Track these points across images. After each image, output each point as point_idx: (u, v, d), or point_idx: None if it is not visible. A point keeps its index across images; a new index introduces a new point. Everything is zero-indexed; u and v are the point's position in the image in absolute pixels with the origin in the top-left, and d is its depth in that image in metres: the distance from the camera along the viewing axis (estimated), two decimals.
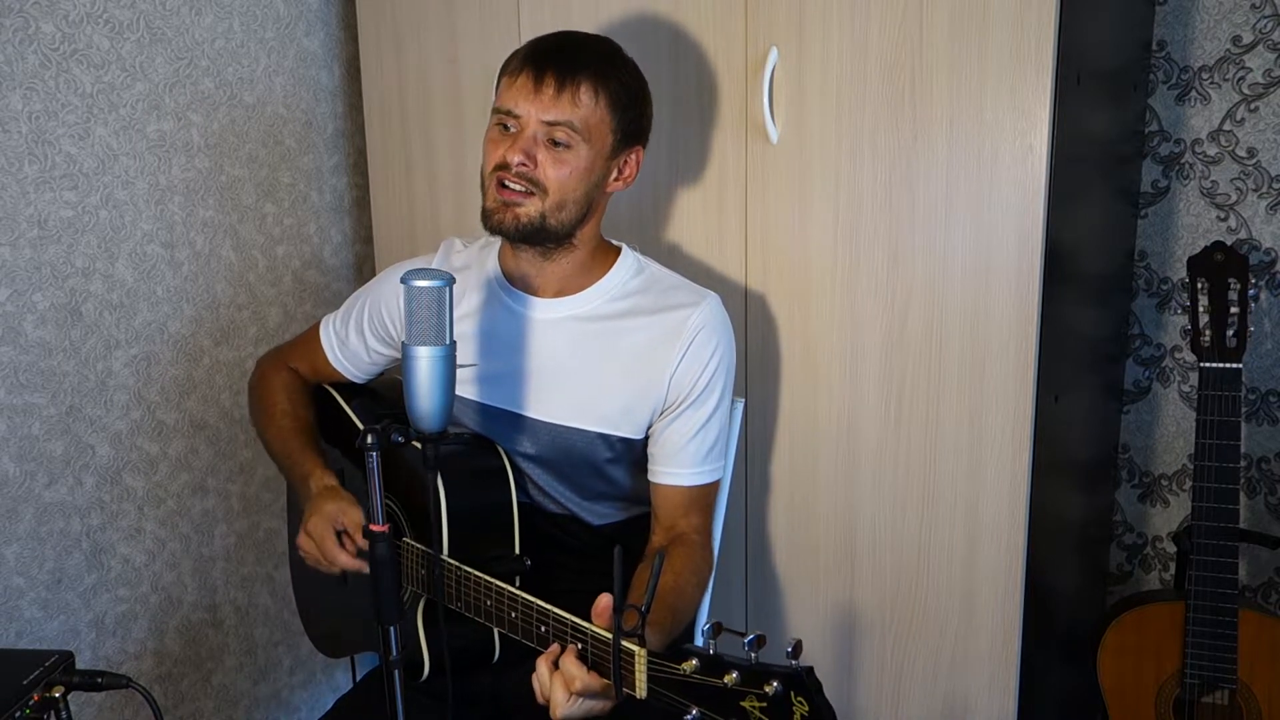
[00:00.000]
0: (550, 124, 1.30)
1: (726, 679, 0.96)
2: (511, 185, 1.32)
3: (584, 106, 1.31)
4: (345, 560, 1.34)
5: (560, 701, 1.09)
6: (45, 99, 1.64)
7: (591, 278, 1.43)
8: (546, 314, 1.43)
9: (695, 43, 1.64)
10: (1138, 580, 2.11)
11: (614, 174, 1.40)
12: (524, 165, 1.31)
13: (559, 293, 1.43)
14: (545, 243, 1.37)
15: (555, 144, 1.31)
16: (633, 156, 1.41)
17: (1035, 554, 1.55)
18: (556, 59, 1.31)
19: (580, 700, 1.10)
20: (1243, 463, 1.93)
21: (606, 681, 1.07)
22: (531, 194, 1.32)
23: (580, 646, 1.10)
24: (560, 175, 1.32)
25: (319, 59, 2.09)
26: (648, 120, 1.42)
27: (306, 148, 2.09)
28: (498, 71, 1.38)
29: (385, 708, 1.19)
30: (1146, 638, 1.73)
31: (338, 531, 1.36)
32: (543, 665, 1.12)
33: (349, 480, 1.57)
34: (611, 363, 1.41)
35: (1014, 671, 1.57)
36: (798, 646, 0.95)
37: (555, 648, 1.13)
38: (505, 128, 1.33)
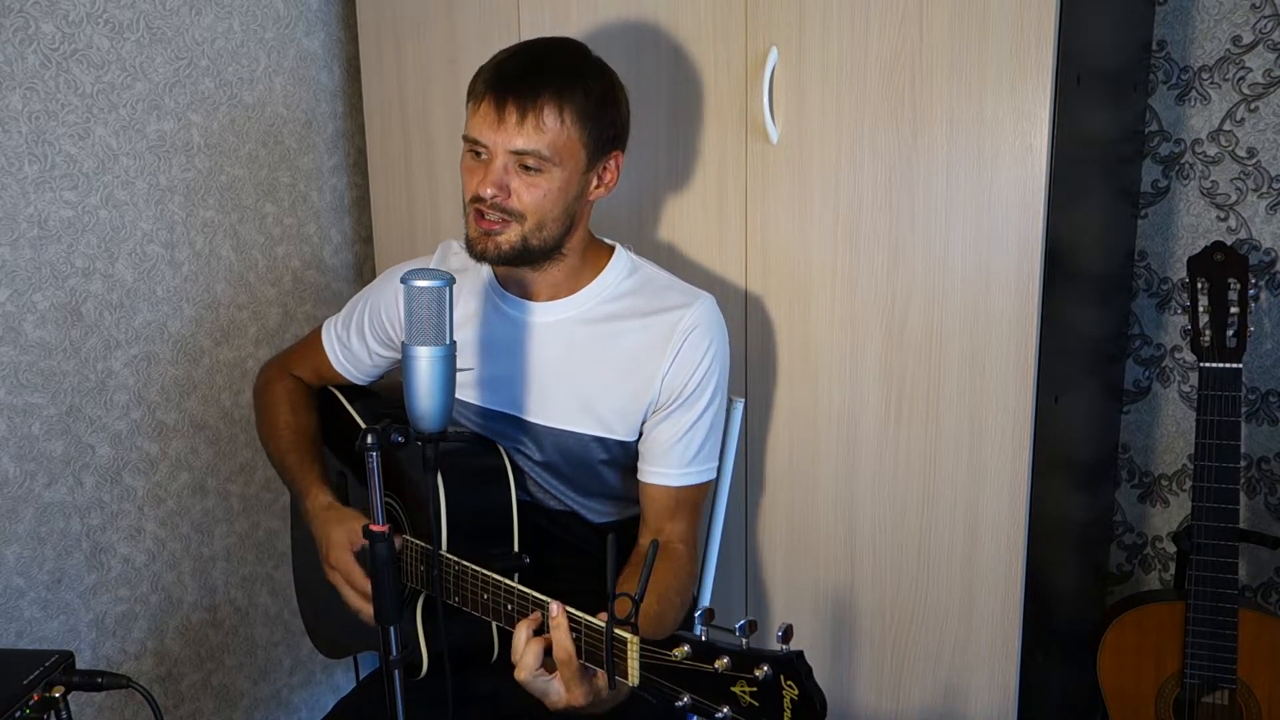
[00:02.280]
0: (517, 153, 1.29)
1: (717, 664, 0.96)
2: (489, 216, 1.32)
3: (549, 131, 1.29)
4: None
5: (529, 666, 1.13)
6: (45, 99, 1.64)
7: (584, 280, 1.43)
8: (541, 318, 1.43)
9: (695, 42, 1.64)
10: (1138, 580, 2.11)
11: (594, 183, 1.38)
12: (497, 197, 1.30)
13: (553, 296, 1.43)
14: (532, 261, 1.37)
15: (526, 169, 1.30)
16: (611, 162, 1.39)
17: (1035, 554, 1.55)
18: (516, 85, 1.29)
19: (545, 676, 1.13)
20: (1243, 463, 1.93)
21: (580, 664, 1.10)
22: (509, 221, 1.32)
23: (574, 635, 1.11)
24: (535, 199, 1.31)
25: (319, 59, 2.09)
26: (622, 124, 1.39)
27: (306, 148, 2.09)
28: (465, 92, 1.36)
29: (386, 708, 1.19)
30: (1146, 638, 1.73)
31: (358, 555, 1.38)
32: (522, 630, 1.14)
33: (352, 481, 1.58)
34: (605, 365, 1.41)
35: (1014, 671, 1.57)
36: (788, 631, 0.95)
37: (538, 615, 1.15)
38: (477, 154, 1.33)
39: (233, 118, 1.93)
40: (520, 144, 1.28)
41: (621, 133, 1.39)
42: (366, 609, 1.38)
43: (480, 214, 1.32)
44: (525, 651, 1.13)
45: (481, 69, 1.34)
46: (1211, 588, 1.66)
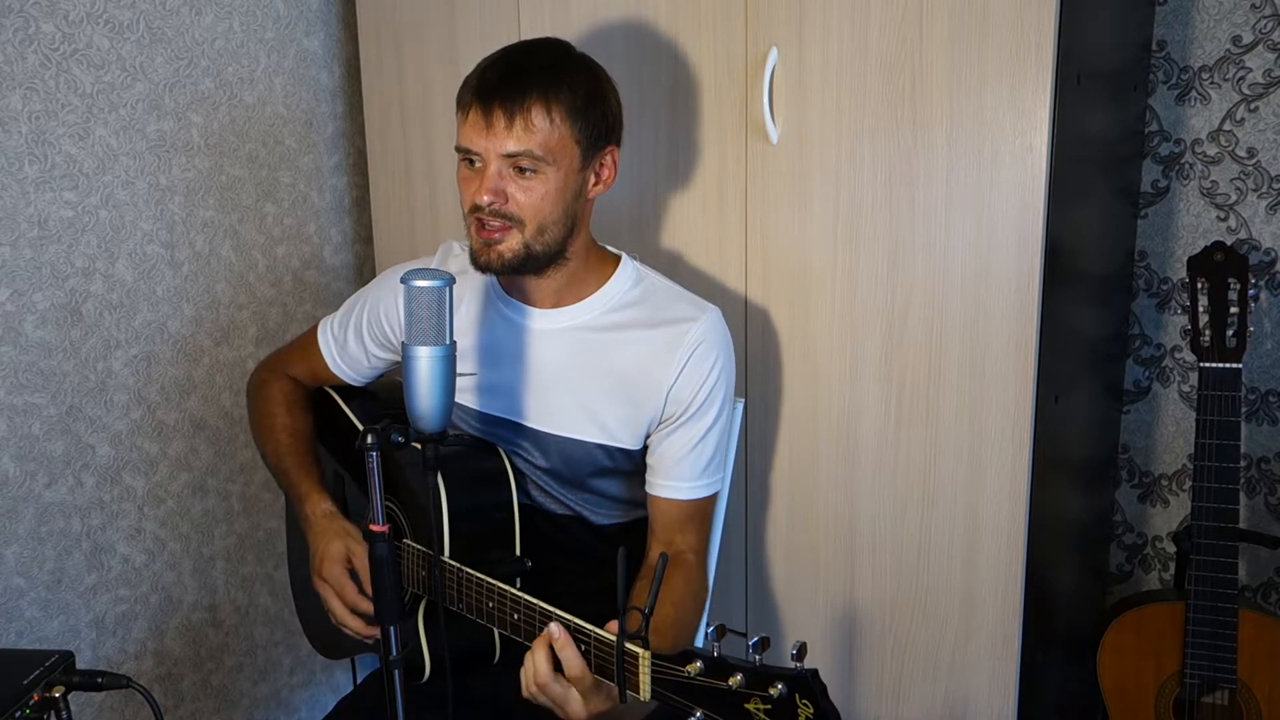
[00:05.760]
0: (510, 156, 1.28)
1: (731, 681, 0.95)
2: (489, 224, 1.31)
3: (539, 130, 1.28)
4: (368, 607, 1.36)
5: (544, 671, 1.12)
6: (45, 99, 1.64)
7: (589, 288, 1.42)
8: (544, 324, 1.43)
9: (695, 42, 1.64)
10: (1138, 580, 2.11)
11: (591, 181, 1.37)
12: (495, 203, 1.29)
13: (557, 303, 1.42)
14: (537, 268, 1.36)
15: (521, 171, 1.29)
16: (608, 158, 1.38)
17: (1035, 554, 1.55)
18: (500, 89, 1.28)
19: (563, 684, 1.12)
20: (1243, 463, 1.93)
21: (593, 679, 1.08)
22: (510, 227, 1.31)
23: (583, 648, 1.10)
24: (533, 201, 1.30)
25: (319, 59, 2.09)
26: (613, 118, 1.37)
27: (306, 148, 2.09)
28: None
29: (386, 709, 1.19)
30: (1146, 638, 1.73)
31: (351, 571, 1.38)
32: (540, 650, 1.13)
33: (349, 484, 1.58)
34: (609, 374, 1.40)
35: (1014, 671, 1.57)
36: (803, 649, 0.95)
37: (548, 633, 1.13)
38: (471, 163, 1.32)
39: (233, 118, 1.93)
40: (512, 147, 1.28)
41: (614, 127, 1.38)
42: (352, 623, 1.39)
43: (481, 223, 1.31)
44: (535, 659, 1.12)
45: (466, 79, 1.33)
46: (1211, 588, 1.66)
